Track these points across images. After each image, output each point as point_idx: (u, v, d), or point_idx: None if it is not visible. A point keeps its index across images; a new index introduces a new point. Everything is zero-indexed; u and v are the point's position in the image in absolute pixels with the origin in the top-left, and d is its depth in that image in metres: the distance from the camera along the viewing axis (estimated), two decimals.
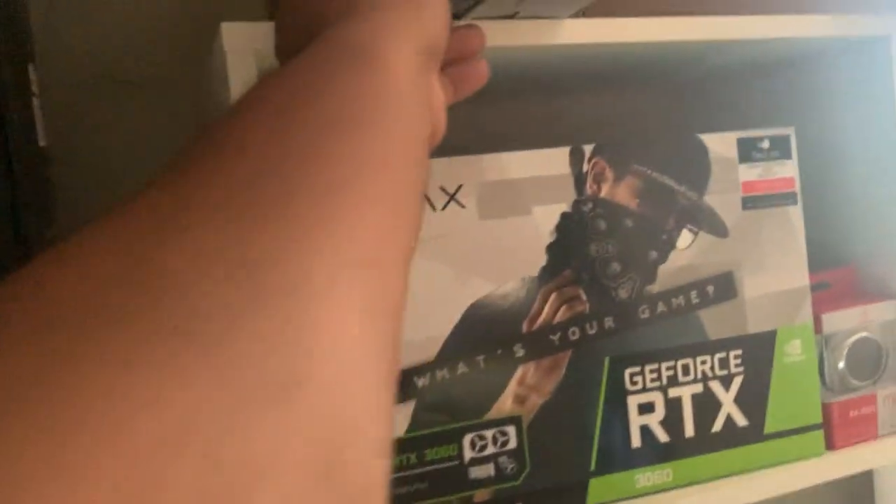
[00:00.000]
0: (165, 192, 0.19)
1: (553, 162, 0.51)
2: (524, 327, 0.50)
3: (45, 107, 0.46)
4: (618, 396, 0.52)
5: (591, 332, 0.51)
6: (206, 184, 0.19)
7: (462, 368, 0.49)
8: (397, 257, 0.22)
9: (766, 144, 0.55)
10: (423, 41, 0.30)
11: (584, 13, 0.60)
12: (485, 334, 0.49)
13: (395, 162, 0.23)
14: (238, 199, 0.18)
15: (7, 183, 0.35)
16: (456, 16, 0.47)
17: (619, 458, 0.52)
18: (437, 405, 0.48)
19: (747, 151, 0.55)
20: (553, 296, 0.51)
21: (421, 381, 0.48)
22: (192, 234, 0.17)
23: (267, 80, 0.25)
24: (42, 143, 0.39)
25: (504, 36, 0.47)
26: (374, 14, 0.29)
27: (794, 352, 0.55)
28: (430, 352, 0.48)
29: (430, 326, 0.48)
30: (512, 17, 0.47)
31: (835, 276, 0.62)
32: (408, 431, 0.48)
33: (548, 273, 0.50)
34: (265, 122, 0.22)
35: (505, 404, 0.49)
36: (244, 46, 0.42)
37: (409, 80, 0.27)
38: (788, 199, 0.55)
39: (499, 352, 0.49)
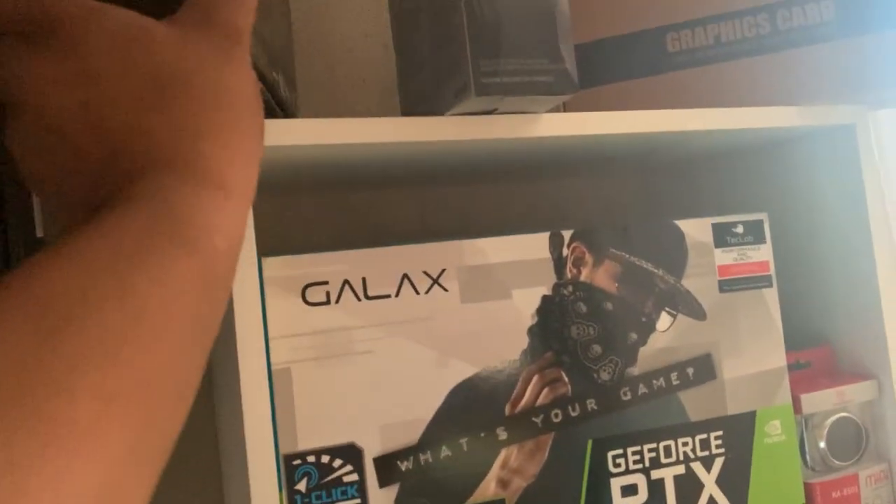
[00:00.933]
0: None
1: (533, 247, 0.53)
2: (507, 410, 0.51)
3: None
4: (601, 479, 0.52)
5: (574, 414, 0.52)
6: None
7: (445, 452, 0.49)
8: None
9: (740, 229, 0.57)
10: (251, 191, 0.29)
11: (564, 106, 0.63)
12: (468, 417, 0.50)
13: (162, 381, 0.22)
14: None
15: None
16: (439, 113, 0.49)
17: None
18: (420, 489, 0.48)
19: (722, 236, 0.56)
20: (535, 378, 0.52)
21: (405, 465, 0.48)
22: None
23: (61, 254, 0.23)
24: (39, 233, 0.41)
25: (485, 130, 0.49)
26: (209, 167, 0.27)
27: (774, 432, 0.56)
28: (414, 435, 0.48)
29: (413, 409, 0.49)
30: (491, 113, 0.49)
31: (813, 356, 0.63)
32: None
33: (529, 355, 0.52)
34: (37, 325, 0.20)
35: (488, 488, 0.50)
36: None
37: (229, 269, 0.26)
38: (763, 281, 0.57)
39: (482, 435, 0.50)
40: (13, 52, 0.26)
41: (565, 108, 0.64)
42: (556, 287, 0.53)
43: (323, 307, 0.47)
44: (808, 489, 0.58)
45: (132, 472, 0.21)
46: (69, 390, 0.19)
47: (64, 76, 0.26)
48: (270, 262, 0.47)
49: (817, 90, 0.59)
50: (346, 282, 0.48)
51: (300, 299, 0.47)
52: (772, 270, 0.57)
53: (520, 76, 0.46)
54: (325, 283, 0.47)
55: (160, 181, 0.26)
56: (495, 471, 0.50)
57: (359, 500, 0.47)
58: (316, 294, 0.47)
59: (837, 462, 0.59)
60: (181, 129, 0.27)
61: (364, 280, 0.48)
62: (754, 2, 0.59)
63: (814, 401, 0.58)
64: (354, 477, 0.47)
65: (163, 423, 0.22)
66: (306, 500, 0.46)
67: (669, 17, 0.61)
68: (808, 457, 0.59)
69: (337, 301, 0.48)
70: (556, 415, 0.52)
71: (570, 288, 0.53)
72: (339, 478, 0.47)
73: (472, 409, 0.50)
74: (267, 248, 0.49)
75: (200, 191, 0.26)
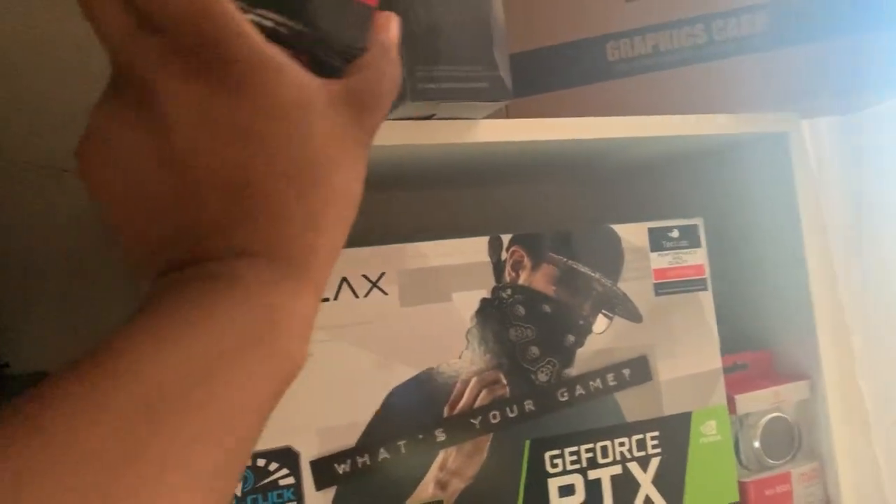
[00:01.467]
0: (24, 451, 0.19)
1: (472, 250, 0.53)
2: (445, 412, 0.51)
3: None
4: (539, 479, 0.53)
5: (512, 415, 0.53)
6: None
7: (384, 454, 0.49)
8: None
9: (675, 234, 0.58)
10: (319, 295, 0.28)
11: (507, 112, 0.63)
12: (407, 419, 0.50)
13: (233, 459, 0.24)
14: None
15: None
16: None
17: None
18: (357, 492, 0.49)
19: (658, 241, 0.58)
20: (474, 380, 0.52)
21: (342, 468, 0.48)
22: None
23: (142, 344, 0.23)
24: None
25: (423, 135, 0.50)
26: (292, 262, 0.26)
27: (709, 432, 0.57)
28: (352, 438, 0.49)
29: (351, 412, 0.49)
30: (429, 118, 0.50)
31: (751, 359, 0.65)
32: None
33: (468, 358, 0.52)
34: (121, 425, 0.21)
35: (426, 490, 0.50)
36: None
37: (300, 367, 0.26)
38: (699, 285, 0.59)
39: (420, 437, 0.50)
40: (163, 58, 0.24)
41: (508, 114, 0.65)
42: (495, 290, 0.53)
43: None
44: (743, 487, 0.59)
45: None
46: (176, 472, 0.21)
47: (215, 112, 0.25)
48: None
49: (752, 99, 0.60)
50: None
51: None
52: (707, 274, 0.59)
53: (455, 82, 0.47)
54: None
55: (261, 270, 0.26)
56: (433, 472, 0.50)
57: (295, 503, 0.47)
58: None
59: (771, 461, 0.60)
60: (303, 221, 0.26)
61: None
62: (691, 12, 0.61)
63: (748, 401, 0.60)
64: (291, 480, 0.47)
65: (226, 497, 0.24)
66: (242, 503, 0.46)
67: (609, 27, 0.63)
68: (742, 456, 0.60)
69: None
70: (495, 416, 0.52)
71: (509, 291, 0.54)
72: (275, 481, 0.47)
73: (410, 411, 0.50)
74: None
75: (300, 291, 0.26)
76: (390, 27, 0.31)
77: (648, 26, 0.62)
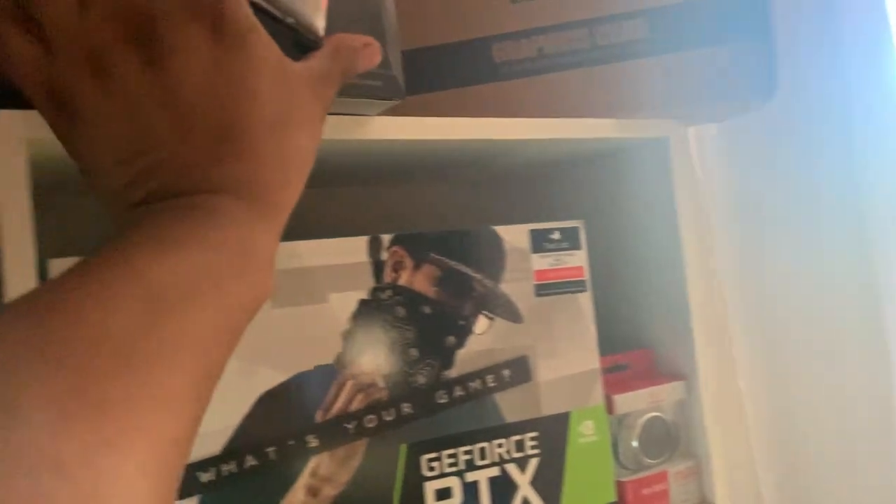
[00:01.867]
0: None
1: (351, 250, 0.52)
2: (318, 417, 0.50)
3: None
4: (415, 484, 0.52)
5: (389, 418, 0.52)
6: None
7: (251, 461, 0.47)
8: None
9: (556, 235, 0.59)
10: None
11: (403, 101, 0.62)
12: (276, 425, 0.48)
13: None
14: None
15: None
16: None
17: None
18: (223, 501, 0.46)
19: (539, 242, 0.58)
20: (349, 383, 0.51)
21: (205, 476, 0.46)
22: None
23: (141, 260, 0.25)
24: None
25: None
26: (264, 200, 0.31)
27: (587, 432, 0.58)
28: (216, 445, 0.47)
29: (216, 419, 0.47)
30: None
31: (632, 359, 0.66)
32: None
33: (344, 360, 0.51)
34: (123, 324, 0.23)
35: (296, 497, 0.48)
36: (14, 136, 0.41)
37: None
38: (578, 286, 0.59)
39: (290, 443, 0.49)
40: (170, 10, 0.28)
41: (399, 112, 0.64)
42: (374, 291, 0.52)
43: None
44: (620, 487, 0.60)
45: (193, 432, 0.26)
46: (170, 367, 0.24)
47: (217, 62, 0.29)
48: (58, 266, 0.44)
49: (634, 104, 0.61)
50: None
51: None
52: (586, 276, 0.59)
53: None
54: None
55: (237, 207, 0.29)
56: (304, 479, 0.49)
57: None
58: None
59: (649, 460, 0.61)
60: (276, 169, 0.31)
61: None
62: (574, 17, 0.61)
63: (627, 401, 0.61)
64: None
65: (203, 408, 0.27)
66: None
67: (495, 28, 0.62)
68: (621, 456, 0.61)
69: None
70: (371, 420, 0.51)
71: (389, 292, 0.53)
72: None
73: (281, 417, 0.49)
74: (53, 249, 0.46)
75: (269, 230, 0.31)
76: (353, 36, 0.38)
77: (533, 29, 0.62)
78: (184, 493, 0.46)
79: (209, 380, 0.26)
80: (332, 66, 0.35)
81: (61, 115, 0.29)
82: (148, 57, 0.28)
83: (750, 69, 0.60)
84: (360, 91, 0.46)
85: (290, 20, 0.35)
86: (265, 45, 0.30)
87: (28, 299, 0.23)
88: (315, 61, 0.34)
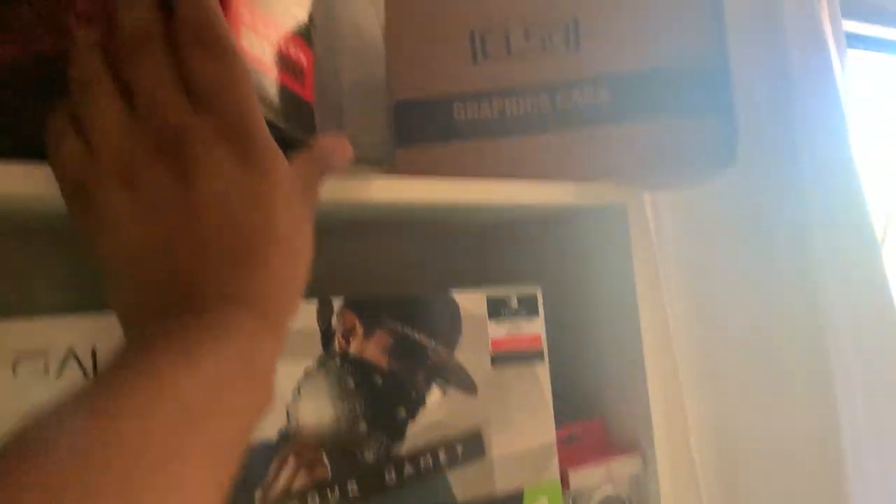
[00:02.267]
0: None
1: (298, 315, 0.49)
2: (257, 496, 0.46)
3: None
4: None
5: (333, 499, 0.48)
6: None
7: None
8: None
9: (514, 303, 0.57)
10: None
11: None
12: None
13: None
14: None
15: None
16: None
17: None
18: None
19: (496, 309, 0.56)
20: (291, 460, 0.47)
21: None
22: None
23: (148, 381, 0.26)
24: None
25: None
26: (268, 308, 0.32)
27: None
28: None
29: None
30: None
31: (585, 429, 0.64)
32: None
33: (288, 435, 0.47)
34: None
35: None
36: None
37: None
38: (536, 356, 0.57)
39: None
40: (213, 136, 0.32)
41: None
42: (321, 360, 0.49)
43: (40, 382, 0.41)
44: None
45: None
46: (202, 473, 0.26)
47: (239, 181, 0.32)
48: None
49: (593, 169, 0.60)
50: (71, 352, 0.42)
51: (10, 371, 0.40)
52: (544, 345, 0.58)
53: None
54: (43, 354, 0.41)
55: (246, 320, 0.31)
56: None
57: None
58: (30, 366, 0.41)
59: None
60: (282, 280, 0.33)
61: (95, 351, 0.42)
62: (537, 79, 0.60)
63: (581, 477, 0.59)
64: None
65: None
66: None
67: (457, 86, 0.61)
68: None
69: (59, 376, 0.41)
70: (314, 499, 0.48)
71: (338, 361, 0.50)
72: None
73: None
74: None
75: (273, 339, 0.33)
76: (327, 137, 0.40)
77: (495, 90, 0.61)
78: None
79: (229, 481, 0.28)
80: (314, 171, 0.37)
81: (87, 214, 0.32)
82: (177, 174, 0.31)
83: (710, 140, 0.60)
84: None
85: (281, 126, 0.37)
86: (281, 167, 0.33)
87: (69, 410, 0.24)
88: (300, 168, 0.36)
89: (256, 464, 0.46)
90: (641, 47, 0.60)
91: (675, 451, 0.69)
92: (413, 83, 0.62)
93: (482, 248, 0.79)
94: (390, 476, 0.50)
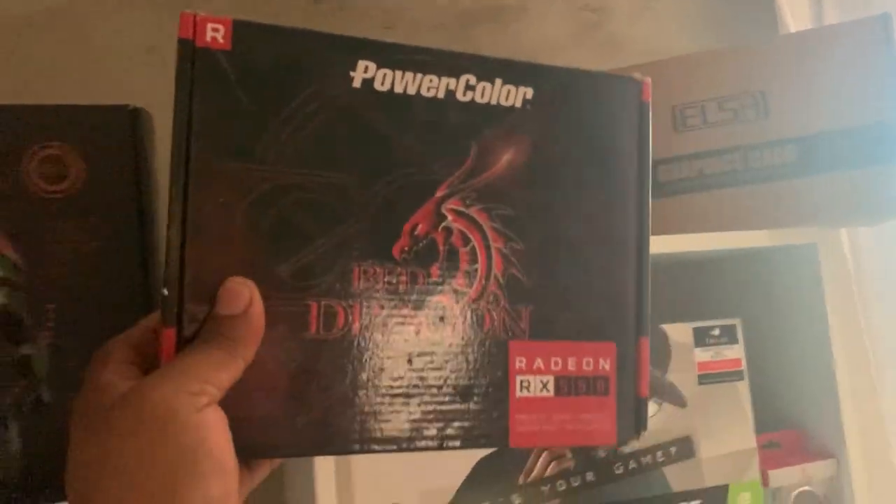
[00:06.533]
0: None
1: None
2: (520, 480, 0.63)
3: None
4: None
5: (575, 484, 0.64)
6: None
7: None
8: None
9: (716, 332, 0.69)
10: None
11: None
12: (489, 485, 0.62)
13: None
14: None
15: None
16: None
17: None
18: None
19: (701, 338, 0.69)
20: (544, 454, 0.64)
21: None
22: None
23: None
24: None
25: None
26: None
27: (745, 503, 0.67)
28: (446, 498, 0.61)
29: (443, 477, 0.61)
30: None
31: (783, 437, 0.74)
32: None
33: None
34: None
35: None
36: None
37: None
38: (736, 376, 0.69)
39: (500, 500, 0.62)
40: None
41: None
42: None
43: None
44: None
45: None
46: None
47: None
48: None
49: (784, 217, 0.71)
50: None
51: None
52: (743, 366, 0.69)
53: None
54: None
55: None
56: None
57: None
58: None
59: None
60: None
61: None
62: (730, 144, 0.72)
63: (780, 476, 0.70)
64: None
65: None
66: None
67: (661, 153, 0.74)
68: None
69: None
70: (561, 485, 0.64)
71: None
72: None
73: (492, 478, 0.62)
74: None
75: None
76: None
77: (694, 153, 0.73)
78: None
79: None
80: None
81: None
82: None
83: (885, 186, 0.68)
84: None
85: None
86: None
87: None
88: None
89: (519, 456, 0.63)
90: (822, 110, 0.69)
91: (874, 458, 0.77)
92: None
93: (687, 284, 0.91)
94: (618, 469, 0.65)
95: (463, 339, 0.39)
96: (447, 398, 0.39)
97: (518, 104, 0.40)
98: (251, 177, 0.36)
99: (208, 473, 0.29)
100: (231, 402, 0.33)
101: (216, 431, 0.31)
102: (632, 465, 0.65)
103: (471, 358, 0.39)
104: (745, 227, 0.71)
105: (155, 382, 0.31)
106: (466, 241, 0.39)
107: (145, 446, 0.29)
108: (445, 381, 0.39)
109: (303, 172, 0.37)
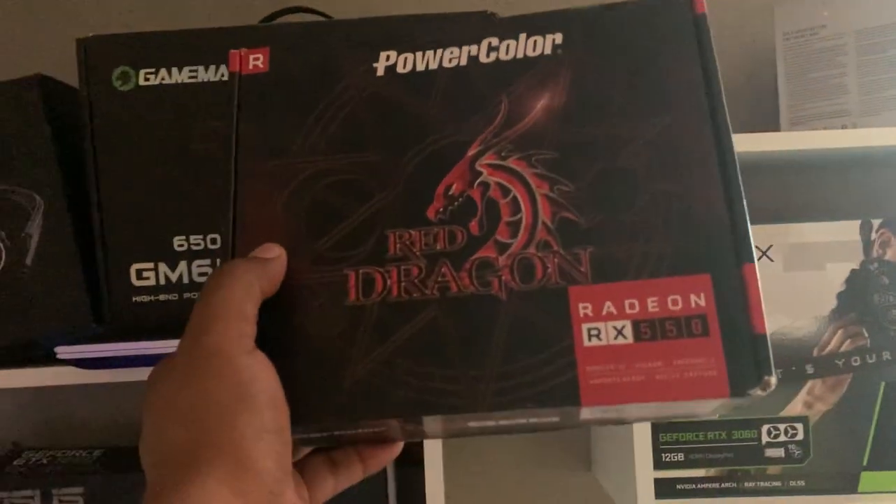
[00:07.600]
0: None
1: (845, 231, 0.68)
2: (815, 352, 0.68)
3: None
4: (891, 416, 0.67)
5: (871, 361, 0.68)
6: None
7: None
8: None
9: None
10: None
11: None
12: (782, 356, 0.68)
13: None
14: None
15: None
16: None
17: (888, 461, 0.67)
18: None
19: None
20: (840, 331, 0.68)
21: None
22: None
23: None
24: None
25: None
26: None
27: None
28: None
29: None
30: None
31: None
32: (720, 417, 0.68)
33: (836, 314, 0.68)
34: None
35: (796, 407, 0.68)
36: None
37: None
38: None
39: (793, 368, 0.68)
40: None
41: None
42: (863, 263, 0.68)
43: None
44: None
45: None
46: None
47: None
48: None
49: None
50: None
51: None
52: None
53: None
54: None
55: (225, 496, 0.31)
56: (802, 395, 0.68)
57: None
58: None
59: None
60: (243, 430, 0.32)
61: None
62: None
63: None
64: None
65: None
66: None
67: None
68: None
69: None
70: (856, 360, 0.68)
71: (876, 265, 0.68)
72: None
73: (786, 349, 0.68)
74: None
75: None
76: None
77: None
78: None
79: None
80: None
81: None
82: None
83: None
84: None
85: None
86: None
87: None
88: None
89: (814, 331, 0.68)
90: None
91: None
92: None
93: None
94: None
95: (512, 291, 0.36)
96: (500, 358, 0.35)
97: (548, 51, 0.39)
98: (287, 171, 0.40)
99: (262, 407, 0.32)
100: (280, 371, 0.34)
101: (266, 370, 0.34)
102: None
103: (523, 311, 0.36)
104: None
105: (209, 328, 0.34)
106: (506, 192, 0.38)
107: (206, 386, 0.33)
108: (495, 338, 0.36)
109: (335, 158, 0.39)
